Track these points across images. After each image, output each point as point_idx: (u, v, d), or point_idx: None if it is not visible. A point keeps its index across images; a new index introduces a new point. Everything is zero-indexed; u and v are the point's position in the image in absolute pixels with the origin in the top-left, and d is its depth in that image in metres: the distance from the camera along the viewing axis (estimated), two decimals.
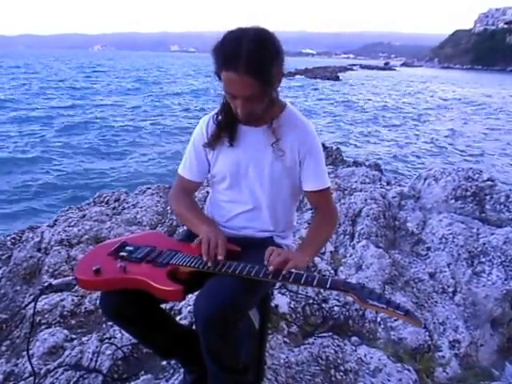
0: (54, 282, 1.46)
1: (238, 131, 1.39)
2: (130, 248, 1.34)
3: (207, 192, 1.64)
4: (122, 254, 1.31)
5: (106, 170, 9.57)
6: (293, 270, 1.18)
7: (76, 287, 2.40)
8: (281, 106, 1.39)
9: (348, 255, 2.68)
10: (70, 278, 1.38)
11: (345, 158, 5.88)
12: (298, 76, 43.94)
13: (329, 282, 1.15)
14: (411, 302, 2.22)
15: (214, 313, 1.13)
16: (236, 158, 1.40)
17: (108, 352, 1.85)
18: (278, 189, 1.41)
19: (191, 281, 1.25)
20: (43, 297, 2.25)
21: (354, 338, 2.03)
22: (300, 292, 2.26)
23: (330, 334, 2.00)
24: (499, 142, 14.31)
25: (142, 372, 1.80)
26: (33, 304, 1.58)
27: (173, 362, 1.80)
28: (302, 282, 1.15)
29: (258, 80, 1.17)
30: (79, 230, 2.95)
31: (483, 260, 2.49)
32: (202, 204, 2.62)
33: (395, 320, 2.10)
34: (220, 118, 1.39)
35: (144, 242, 1.38)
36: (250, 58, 1.13)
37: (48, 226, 3.21)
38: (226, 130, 1.38)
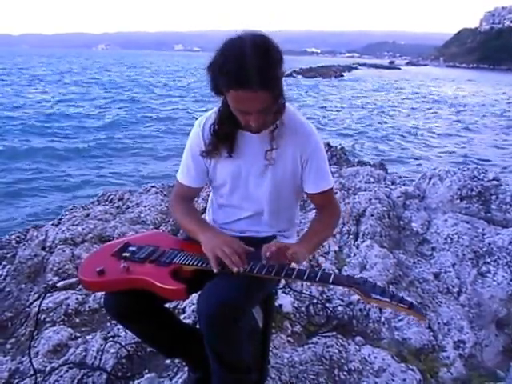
0: (59, 283, 1.47)
1: (237, 140, 1.33)
2: (133, 248, 1.34)
3: (208, 194, 1.62)
4: (125, 254, 1.31)
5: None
6: (295, 267, 1.17)
7: (80, 286, 2.41)
8: (281, 108, 1.32)
9: (352, 255, 2.67)
10: (74, 279, 1.38)
11: (349, 158, 5.87)
12: (300, 76, 43.77)
13: (331, 278, 1.14)
14: (415, 303, 2.21)
15: (215, 311, 1.13)
16: (236, 166, 1.36)
17: (112, 350, 1.86)
18: (281, 193, 1.39)
19: (195, 280, 1.25)
20: (48, 295, 2.26)
21: (357, 338, 2.02)
22: (304, 291, 2.25)
23: (334, 333, 2.00)
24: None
25: (146, 370, 1.81)
26: (37, 302, 1.59)
27: (177, 360, 1.80)
28: (305, 277, 1.15)
29: (271, 92, 1.14)
30: (83, 229, 2.96)
31: (488, 260, 2.47)
32: (205, 204, 2.61)
33: (399, 320, 2.10)
34: (217, 127, 1.32)
35: (147, 242, 1.39)
36: (261, 72, 1.08)
37: (52, 224, 3.22)
38: (224, 141, 1.33)
